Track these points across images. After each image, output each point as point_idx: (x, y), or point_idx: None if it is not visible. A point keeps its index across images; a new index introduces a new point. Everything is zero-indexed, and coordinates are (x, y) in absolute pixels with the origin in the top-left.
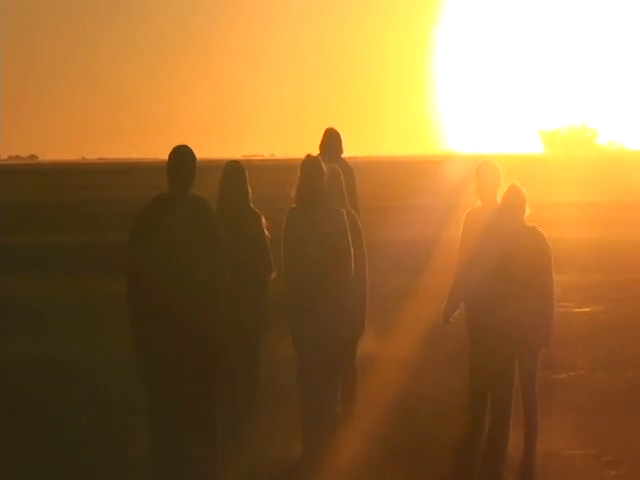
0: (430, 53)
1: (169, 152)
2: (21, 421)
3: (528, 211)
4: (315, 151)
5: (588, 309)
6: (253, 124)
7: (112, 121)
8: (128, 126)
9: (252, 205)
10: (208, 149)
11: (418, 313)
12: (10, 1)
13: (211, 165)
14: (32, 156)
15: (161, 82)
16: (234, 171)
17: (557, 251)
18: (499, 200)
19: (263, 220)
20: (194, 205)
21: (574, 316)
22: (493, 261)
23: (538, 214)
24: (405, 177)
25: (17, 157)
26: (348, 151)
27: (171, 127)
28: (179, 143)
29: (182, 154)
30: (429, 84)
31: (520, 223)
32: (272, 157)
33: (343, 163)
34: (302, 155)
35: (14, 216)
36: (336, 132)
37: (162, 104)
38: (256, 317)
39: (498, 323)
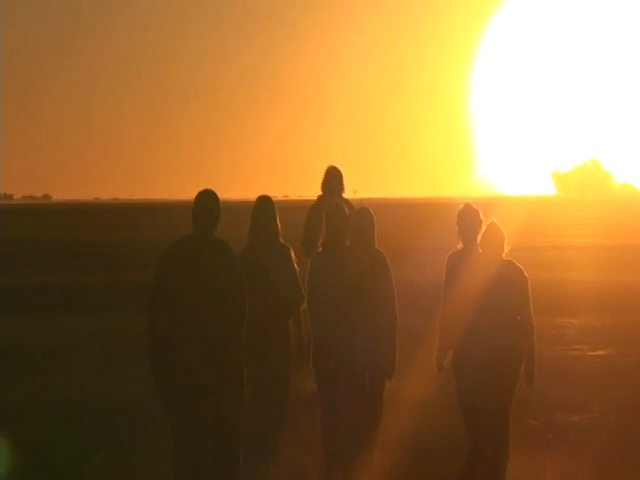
0: (445, 91)
1: (195, 196)
2: (37, 459)
3: (507, 249)
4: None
5: (602, 352)
6: (271, 164)
7: (125, 162)
8: (141, 167)
9: (281, 239)
10: (225, 190)
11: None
12: (26, 46)
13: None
14: (46, 196)
15: (173, 125)
16: (264, 205)
17: (570, 294)
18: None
19: (292, 253)
20: (217, 248)
21: (588, 359)
22: (474, 297)
23: (551, 256)
24: (426, 218)
25: (31, 197)
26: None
27: (183, 169)
28: (190, 184)
29: (207, 198)
30: (441, 124)
31: (499, 259)
32: (285, 198)
33: (346, 203)
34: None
35: (35, 256)
36: (337, 170)
37: (175, 146)
38: (287, 350)
39: (480, 357)
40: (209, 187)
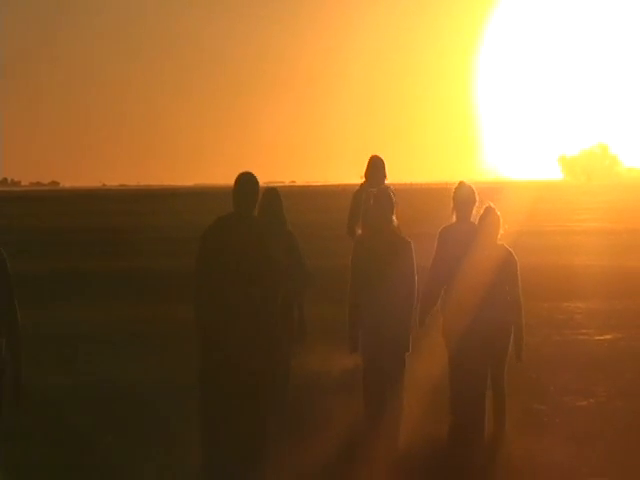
0: (458, 77)
1: (235, 178)
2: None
3: (502, 231)
4: (353, 178)
5: (609, 336)
6: (283, 151)
7: (131, 149)
8: (147, 154)
9: (289, 228)
10: (230, 176)
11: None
12: (31, 33)
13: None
14: (53, 182)
15: (178, 112)
16: (271, 197)
17: (577, 278)
18: (473, 219)
19: (297, 239)
20: (257, 226)
21: (595, 343)
22: (469, 275)
23: (558, 241)
24: (433, 203)
25: (39, 184)
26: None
27: (190, 155)
28: (196, 170)
29: (247, 180)
30: (451, 109)
31: (493, 242)
32: (293, 184)
33: (389, 189)
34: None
35: (51, 242)
36: (380, 160)
37: (181, 133)
38: (287, 335)
39: (468, 327)
40: (218, 172)
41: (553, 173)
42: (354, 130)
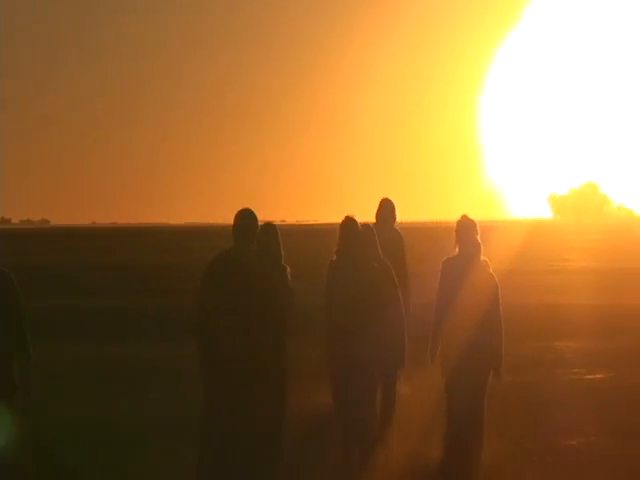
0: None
1: (235, 214)
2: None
3: (482, 254)
4: (360, 217)
5: (599, 375)
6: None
7: (121, 187)
8: (137, 192)
9: (283, 262)
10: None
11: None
12: (23, 69)
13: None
14: (43, 220)
15: (168, 150)
16: (268, 232)
17: (568, 317)
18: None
19: (288, 270)
20: (257, 259)
21: (585, 382)
22: (461, 299)
23: (548, 280)
24: (431, 241)
25: (28, 221)
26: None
27: (180, 194)
28: (186, 208)
29: (246, 215)
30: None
31: (479, 263)
32: (283, 222)
33: (394, 231)
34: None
35: (44, 279)
36: (391, 202)
37: (170, 171)
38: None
39: (460, 349)
40: (208, 211)
41: (543, 212)
42: (341, 171)
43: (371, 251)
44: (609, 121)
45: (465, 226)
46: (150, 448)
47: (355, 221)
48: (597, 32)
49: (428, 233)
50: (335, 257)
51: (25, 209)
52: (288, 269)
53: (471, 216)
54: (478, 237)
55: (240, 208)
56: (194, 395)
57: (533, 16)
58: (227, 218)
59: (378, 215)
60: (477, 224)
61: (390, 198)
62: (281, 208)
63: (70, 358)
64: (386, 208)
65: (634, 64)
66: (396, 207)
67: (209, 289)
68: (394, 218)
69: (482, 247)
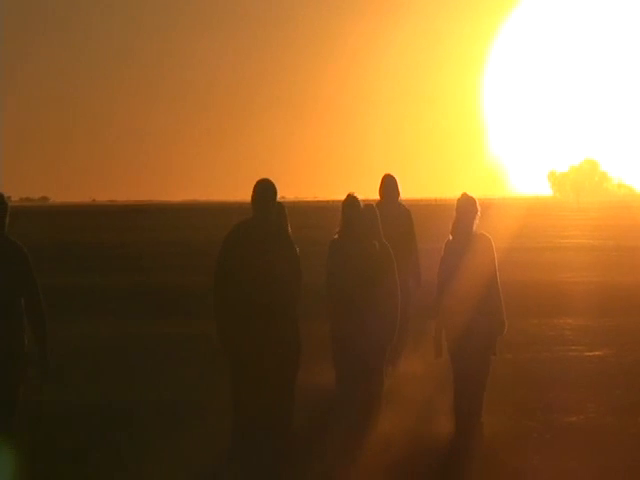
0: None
1: (253, 185)
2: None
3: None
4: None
5: (599, 353)
6: (303, 168)
7: (121, 164)
8: (136, 169)
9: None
10: (224, 193)
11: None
12: (24, 49)
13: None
14: (43, 198)
15: (167, 129)
16: (276, 208)
17: (567, 294)
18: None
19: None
20: (274, 229)
21: (585, 359)
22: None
23: (548, 257)
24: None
25: (28, 199)
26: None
27: (177, 171)
28: (184, 186)
29: (265, 186)
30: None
31: (471, 234)
32: (282, 199)
33: (401, 206)
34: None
35: (46, 258)
36: (393, 178)
37: (172, 148)
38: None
39: (463, 324)
40: (209, 188)
41: (542, 189)
42: (342, 148)
43: (372, 231)
44: (609, 98)
45: (461, 206)
46: (151, 430)
47: (357, 199)
48: (596, 12)
49: (431, 210)
50: (337, 235)
51: (25, 187)
52: (297, 247)
53: (472, 193)
54: (477, 215)
55: (244, 183)
56: (197, 378)
57: (528, 3)
58: (227, 195)
59: (382, 192)
60: (477, 202)
61: (392, 174)
62: (281, 185)
63: (77, 336)
64: (389, 184)
65: (634, 42)
66: (398, 183)
67: (228, 250)
68: (398, 193)
69: (475, 224)
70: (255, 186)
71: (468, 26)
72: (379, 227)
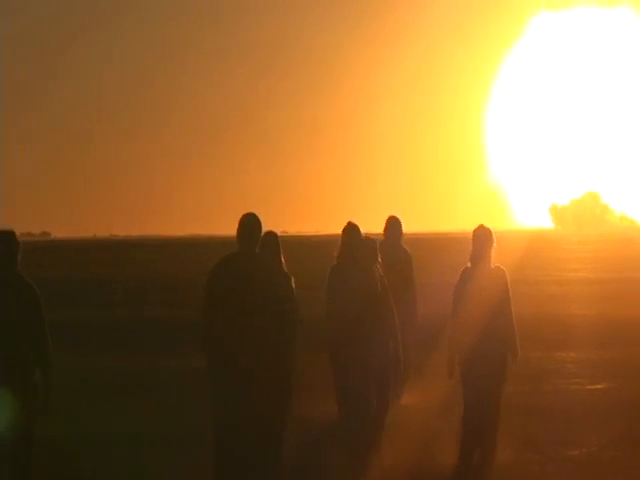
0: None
1: (239, 219)
2: None
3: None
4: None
5: (600, 386)
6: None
7: (121, 199)
8: (136, 204)
9: (285, 268)
10: (222, 227)
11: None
12: (23, 83)
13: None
14: (44, 233)
15: (168, 162)
16: (269, 240)
17: (569, 327)
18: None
19: (293, 280)
20: (263, 262)
21: (587, 393)
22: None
23: (550, 290)
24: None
25: (29, 234)
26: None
27: (177, 207)
28: (187, 220)
29: (251, 220)
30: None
31: (489, 268)
32: (285, 233)
33: (402, 249)
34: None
35: (47, 292)
36: (397, 220)
37: (170, 182)
38: (287, 368)
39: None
40: (209, 223)
41: (544, 221)
42: (343, 182)
43: (372, 260)
44: (611, 131)
45: (479, 237)
46: (151, 460)
47: (357, 226)
48: (597, 45)
49: (432, 244)
50: (336, 261)
51: (26, 222)
52: (292, 279)
53: (473, 225)
54: (494, 246)
55: (248, 212)
56: (190, 409)
57: (534, 32)
58: (228, 229)
59: (386, 232)
60: (493, 233)
61: (396, 215)
62: (282, 218)
63: (80, 369)
64: (393, 226)
65: (637, 74)
66: (402, 224)
67: (214, 283)
68: (401, 234)
69: (492, 255)
70: (240, 220)
71: (471, 60)
72: (377, 259)
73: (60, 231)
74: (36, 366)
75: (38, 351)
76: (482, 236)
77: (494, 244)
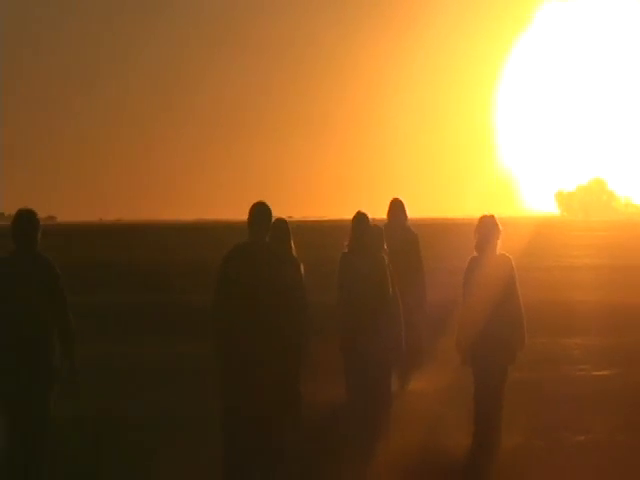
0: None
1: (250, 207)
2: None
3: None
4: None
5: (606, 372)
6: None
7: (128, 184)
8: (143, 188)
9: (294, 254)
10: (229, 211)
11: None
12: (33, 68)
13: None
14: (50, 217)
15: (175, 147)
16: (279, 227)
17: (575, 314)
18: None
19: (302, 267)
20: (273, 252)
21: (592, 379)
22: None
23: (556, 276)
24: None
25: None
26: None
27: (183, 190)
28: (193, 205)
29: (261, 209)
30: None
31: (495, 256)
32: (290, 219)
33: (409, 231)
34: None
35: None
36: (400, 202)
37: (177, 167)
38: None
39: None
40: (216, 207)
41: (550, 208)
42: (350, 166)
43: (377, 247)
44: (617, 118)
45: (485, 226)
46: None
47: (366, 215)
48: (607, 36)
49: (440, 229)
50: (346, 249)
51: (31, 206)
52: (302, 265)
53: (480, 211)
54: (500, 234)
55: (251, 203)
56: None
57: (542, 20)
58: (235, 214)
59: (390, 215)
60: (498, 221)
61: (399, 197)
62: (288, 204)
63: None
64: (397, 208)
65: None
66: (405, 205)
67: (226, 271)
68: (405, 217)
69: (498, 243)
70: (251, 209)
71: (480, 48)
72: (383, 245)
73: (66, 215)
74: (62, 338)
75: (60, 331)
76: (488, 225)
77: (500, 232)
